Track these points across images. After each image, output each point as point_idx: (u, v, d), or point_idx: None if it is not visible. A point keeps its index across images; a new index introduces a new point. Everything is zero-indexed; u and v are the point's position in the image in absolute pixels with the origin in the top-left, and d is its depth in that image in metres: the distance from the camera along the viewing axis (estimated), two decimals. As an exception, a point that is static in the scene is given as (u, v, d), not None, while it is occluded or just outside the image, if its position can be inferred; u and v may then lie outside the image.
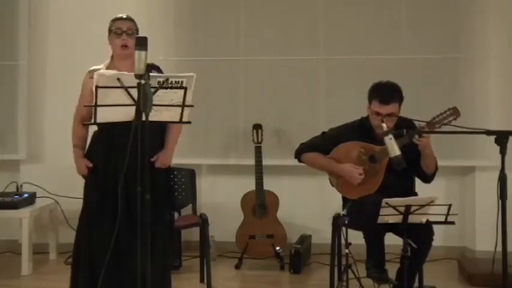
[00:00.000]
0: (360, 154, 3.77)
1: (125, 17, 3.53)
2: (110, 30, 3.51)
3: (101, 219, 3.37)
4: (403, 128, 3.55)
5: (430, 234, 3.55)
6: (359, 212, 3.60)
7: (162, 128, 3.54)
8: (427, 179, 3.77)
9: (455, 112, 3.57)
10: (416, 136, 3.51)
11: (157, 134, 3.51)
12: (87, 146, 3.59)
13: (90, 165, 3.48)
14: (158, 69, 3.46)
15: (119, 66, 3.40)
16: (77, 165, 3.54)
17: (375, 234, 3.58)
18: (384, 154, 3.65)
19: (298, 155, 3.99)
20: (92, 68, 3.48)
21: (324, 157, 3.88)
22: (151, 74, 2.82)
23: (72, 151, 3.57)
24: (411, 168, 3.75)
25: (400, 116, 3.69)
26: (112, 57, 3.55)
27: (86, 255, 3.44)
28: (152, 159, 3.43)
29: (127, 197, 3.21)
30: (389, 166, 3.64)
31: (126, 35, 3.45)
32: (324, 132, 3.99)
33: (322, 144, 3.91)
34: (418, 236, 3.44)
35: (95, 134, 3.56)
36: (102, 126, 3.42)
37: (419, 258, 3.57)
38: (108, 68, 3.47)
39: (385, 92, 3.67)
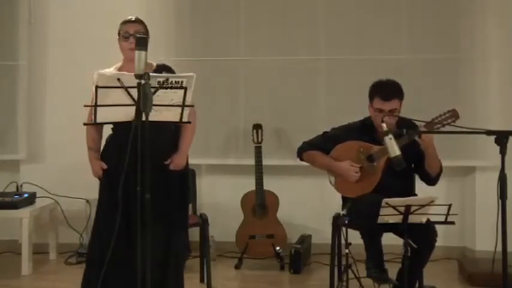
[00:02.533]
0: (358, 153, 3.78)
1: (133, 19, 3.51)
2: (119, 34, 3.50)
3: (114, 220, 3.36)
4: (404, 128, 3.56)
5: (434, 236, 3.55)
6: (359, 212, 3.60)
7: (176, 128, 3.54)
8: (432, 180, 3.75)
9: (454, 114, 3.57)
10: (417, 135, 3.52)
11: (171, 135, 3.51)
12: (102, 148, 3.58)
13: (105, 166, 3.47)
14: (169, 70, 3.45)
15: (129, 69, 3.38)
16: (92, 168, 3.53)
17: (373, 234, 3.59)
18: (382, 154, 3.66)
19: (300, 153, 4.01)
20: (102, 71, 3.47)
21: (324, 156, 3.90)
22: (151, 74, 2.82)
23: (87, 154, 3.56)
24: (411, 169, 3.75)
25: (400, 116, 3.70)
26: (124, 59, 3.55)
27: (100, 256, 3.43)
28: (166, 162, 3.45)
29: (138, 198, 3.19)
30: (388, 167, 3.65)
31: (133, 38, 3.42)
32: (325, 132, 4.01)
33: (323, 144, 3.93)
34: (421, 237, 3.45)
35: (109, 136, 3.56)
36: (115, 128, 3.43)
37: (422, 259, 3.57)
38: (119, 70, 3.47)
39: (387, 89, 3.71)
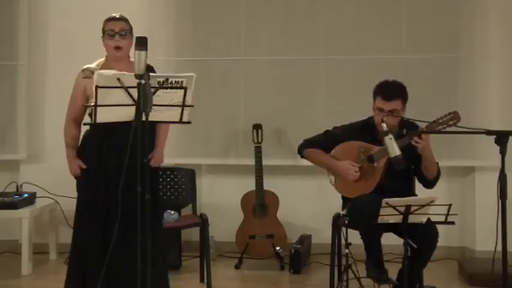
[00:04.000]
0: (358, 153, 3.78)
1: (117, 16, 3.50)
2: (103, 31, 3.50)
3: (93, 219, 3.38)
4: (407, 129, 3.58)
5: (435, 236, 3.55)
6: (359, 212, 3.60)
7: (153, 128, 3.55)
8: (428, 184, 3.76)
9: (456, 116, 3.55)
10: (415, 138, 3.51)
11: (152, 135, 3.52)
12: (79, 144, 3.58)
13: (84, 166, 3.49)
14: (152, 70, 3.45)
15: (114, 67, 3.38)
16: (70, 166, 3.55)
17: (372, 234, 3.59)
18: (382, 155, 3.65)
19: (300, 150, 4.02)
20: (85, 67, 3.48)
21: (324, 154, 3.91)
22: (151, 74, 2.82)
23: (65, 151, 3.57)
24: (411, 171, 3.75)
25: (404, 117, 3.70)
26: (107, 57, 3.54)
27: (80, 256, 3.45)
28: (145, 160, 3.44)
29: (123, 197, 3.20)
30: (388, 168, 3.64)
31: (119, 36, 3.44)
32: (327, 131, 4.01)
33: (324, 142, 3.93)
34: (422, 237, 3.45)
35: (86, 132, 3.56)
36: (95, 126, 3.42)
37: (422, 259, 3.58)
38: (102, 68, 3.46)
39: (389, 89, 3.71)
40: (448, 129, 3.55)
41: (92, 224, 3.38)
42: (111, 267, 3.29)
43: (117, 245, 3.27)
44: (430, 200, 3.33)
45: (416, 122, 3.65)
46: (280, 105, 5.32)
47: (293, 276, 4.72)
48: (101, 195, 3.38)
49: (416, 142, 3.52)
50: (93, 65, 3.48)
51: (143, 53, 2.80)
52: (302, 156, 4.04)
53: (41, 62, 5.41)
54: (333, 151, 3.89)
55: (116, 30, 3.44)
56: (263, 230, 4.92)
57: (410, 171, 3.76)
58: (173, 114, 3.01)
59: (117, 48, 3.44)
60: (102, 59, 3.54)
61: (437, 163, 3.72)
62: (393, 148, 3.43)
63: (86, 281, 3.30)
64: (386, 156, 3.59)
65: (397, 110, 3.66)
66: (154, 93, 2.84)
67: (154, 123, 3.48)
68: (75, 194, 4.86)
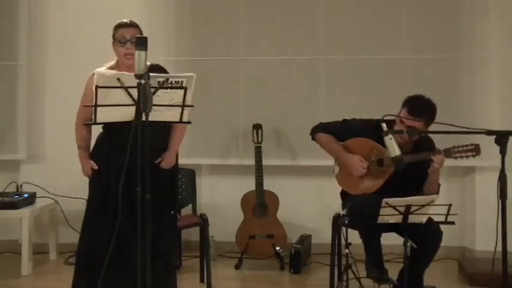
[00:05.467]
0: (370, 153, 3.77)
1: (128, 23, 3.46)
2: (113, 37, 3.47)
3: (103, 220, 3.38)
4: (423, 146, 3.63)
5: (439, 236, 3.56)
6: (359, 212, 3.60)
7: (168, 129, 3.55)
8: None
9: (476, 149, 3.55)
10: (434, 157, 3.53)
11: (164, 135, 3.52)
12: (92, 146, 3.59)
13: (95, 167, 3.48)
14: (161, 70, 3.45)
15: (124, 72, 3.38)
16: (82, 166, 3.55)
17: (372, 234, 3.59)
18: (391, 162, 3.62)
19: (314, 132, 4.00)
20: (96, 70, 3.47)
21: (336, 142, 3.90)
22: (151, 74, 2.82)
23: (77, 152, 3.57)
24: (413, 181, 3.73)
25: (423, 134, 3.68)
26: (118, 61, 3.53)
27: (87, 256, 3.45)
28: (157, 161, 3.45)
29: (130, 197, 3.20)
30: (394, 175, 3.64)
31: (130, 43, 3.40)
32: (345, 120, 3.97)
33: (339, 131, 3.92)
34: (426, 237, 3.46)
35: (99, 135, 3.57)
36: (106, 126, 3.43)
37: (425, 259, 3.58)
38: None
39: (417, 105, 3.65)
40: (447, 126, 3.53)
41: (102, 224, 3.38)
42: (121, 267, 3.30)
43: (125, 245, 3.28)
44: (430, 200, 3.33)
45: (432, 139, 3.70)
46: (280, 105, 5.32)
47: (293, 276, 4.72)
48: (111, 195, 3.38)
49: (432, 160, 3.54)
50: (103, 68, 3.46)
51: (143, 53, 2.79)
52: (313, 138, 4.00)
53: (41, 62, 5.40)
54: (346, 141, 3.88)
55: (128, 38, 3.40)
56: (263, 230, 4.92)
57: (412, 180, 3.73)
58: (173, 114, 3.01)
59: (128, 55, 3.41)
60: (113, 62, 3.53)
61: (439, 184, 3.73)
62: (393, 148, 3.42)
63: (96, 281, 3.29)
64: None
65: (415, 128, 3.60)
66: (154, 93, 2.84)
67: (170, 125, 3.49)
68: (75, 194, 4.90)
